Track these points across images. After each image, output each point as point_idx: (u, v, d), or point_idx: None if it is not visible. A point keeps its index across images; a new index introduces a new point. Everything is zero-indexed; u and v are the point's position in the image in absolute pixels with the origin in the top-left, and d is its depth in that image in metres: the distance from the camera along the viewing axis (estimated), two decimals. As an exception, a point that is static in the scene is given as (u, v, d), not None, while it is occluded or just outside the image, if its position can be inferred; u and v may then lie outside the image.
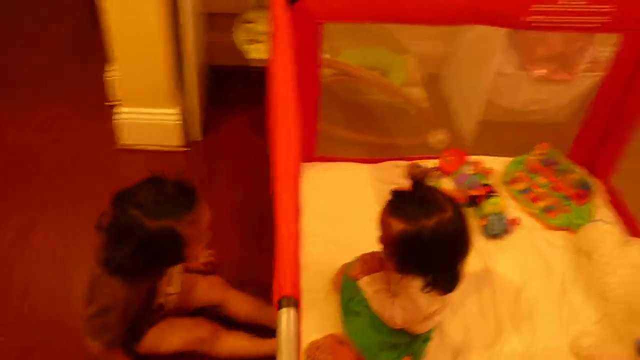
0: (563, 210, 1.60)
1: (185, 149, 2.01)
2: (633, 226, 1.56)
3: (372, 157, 1.75)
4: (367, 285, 1.24)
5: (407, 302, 1.15)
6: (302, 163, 1.65)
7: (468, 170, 1.64)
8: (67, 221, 1.76)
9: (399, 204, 1.10)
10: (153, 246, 1.16)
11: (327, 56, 1.80)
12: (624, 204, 1.62)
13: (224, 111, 2.18)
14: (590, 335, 1.32)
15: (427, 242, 1.04)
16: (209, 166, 1.97)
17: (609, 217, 1.60)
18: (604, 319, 1.38)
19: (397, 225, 1.07)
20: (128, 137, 1.98)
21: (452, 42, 2.25)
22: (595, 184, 1.65)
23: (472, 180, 1.60)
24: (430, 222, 1.04)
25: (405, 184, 1.18)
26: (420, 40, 2.20)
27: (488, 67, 1.94)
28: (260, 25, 2.00)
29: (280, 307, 0.72)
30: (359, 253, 1.32)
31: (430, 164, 1.69)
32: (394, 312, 1.17)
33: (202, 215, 1.21)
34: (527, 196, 1.63)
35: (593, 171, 1.69)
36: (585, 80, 2.02)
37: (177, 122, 1.95)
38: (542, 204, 1.61)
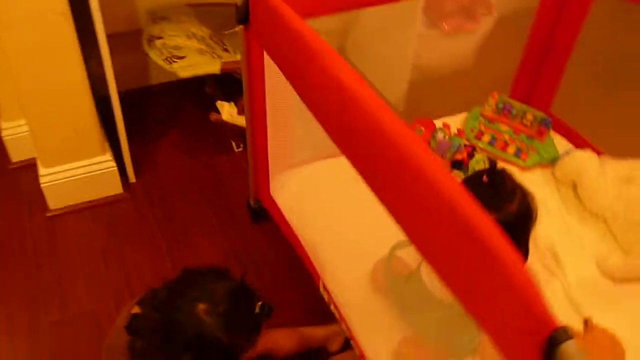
0: (532, 149, 1.68)
1: (125, 195, 1.75)
2: (591, 148, 1.70)
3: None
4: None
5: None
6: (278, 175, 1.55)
7: (442, 136, 1.65)
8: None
9: (477, 193, 1.06)
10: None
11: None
12: (574, 131, 1.75)
13: (148, 141, 1.95)
14: (610, 253, 1.42)
15: (515, 225, 1.02)
16: (159, 204, 1.75)
17: (567, 145, 1.72)
18: (604, 237, 1.50)
19: None
20: (58, 201, 1.67)
21: (354, 14, 2.23)
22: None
23: (454, 145, 1.61)
24: (514, 206, 1.02)
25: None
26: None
27: (411, 30, 1.95)
28: (172, 39, 1.78)
29: (555, 342, 0.61)
30: (377, 250, 1.30)
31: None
32: None
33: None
34: (497, 145, 1.69)
35: (534, 105, 1.80)
36: (486, 25, 2.13)
37: (112, 168, 1.69)
38: (511, 149, 1.68)
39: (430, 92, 2.05)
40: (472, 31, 2.13)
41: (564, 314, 1.30)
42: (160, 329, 1.02)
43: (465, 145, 1.62)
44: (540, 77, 1.78)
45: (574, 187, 1.58)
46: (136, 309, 1.07)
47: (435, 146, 1.63)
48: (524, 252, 1.12)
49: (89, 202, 1.71)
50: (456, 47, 2.13)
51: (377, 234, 1.42)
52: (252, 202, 1.65)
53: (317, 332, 1.40)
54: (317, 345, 1.41)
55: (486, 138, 1.71)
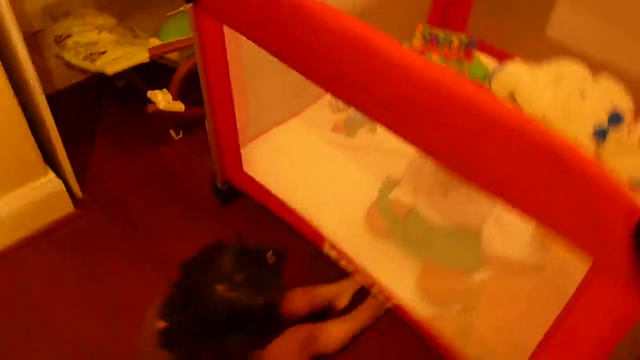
0: (464, 71, 1.78)
1: (78, 212, 1.61)
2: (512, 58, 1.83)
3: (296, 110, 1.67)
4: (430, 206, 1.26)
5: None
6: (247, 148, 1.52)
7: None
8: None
9: None
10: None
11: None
12: (495, 48, 1.87)
13: (81, 149, 1.78)
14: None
15: None
16: (118, 213, 1.63)
17: (490, 61, 1.84)
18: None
19: None
20: (6, 237, 1.49)
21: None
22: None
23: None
24: None
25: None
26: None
27: None
28: (83, 35, 1.62)
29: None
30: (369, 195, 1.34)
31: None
32: None
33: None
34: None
35: (453, 29, 1.89)
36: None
37: (59, 187, 1.54)
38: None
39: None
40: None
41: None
42: (195, 328, 0.99)
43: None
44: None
45: (512, 97, 1.70)
46: (161, 323, 1.02)
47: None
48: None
49: (42, 229, 1.55)
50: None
51: (363, 179, 1.45)
52: (219, 184, 1.59)
53: (329, 289, 1.41)
54: (325, 304, 1.43)
55: (422, 70, 1.78)
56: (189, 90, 1.68)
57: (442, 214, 1.31)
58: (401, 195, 1.35)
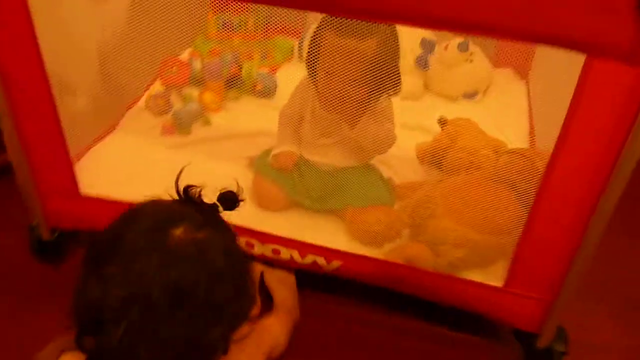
0: (271, 50, 1.68)
1: None
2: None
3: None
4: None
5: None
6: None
7: (201, 62, 1.49)
8: None
9: None
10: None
11: None
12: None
13: None
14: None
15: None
16: None
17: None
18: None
19: None
20: None
21: None
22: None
23: (224, 60, 1.49)
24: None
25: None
26: None
27: None
28: None
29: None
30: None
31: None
32: (388, 128, 1.11)
33: None
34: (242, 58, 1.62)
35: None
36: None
37: None
38: (256, 56, 1.64)
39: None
40: None
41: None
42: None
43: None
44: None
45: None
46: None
47: (206, 72, 1.46)
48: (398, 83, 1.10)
49: None
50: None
51: (228, 167, 1.24)
52: (45, 235, 1.15)
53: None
54: None
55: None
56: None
57: (330, 157, 1.16)
58: (283, 148, 1.16)
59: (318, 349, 1.07)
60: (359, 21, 0.98)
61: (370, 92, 1.05)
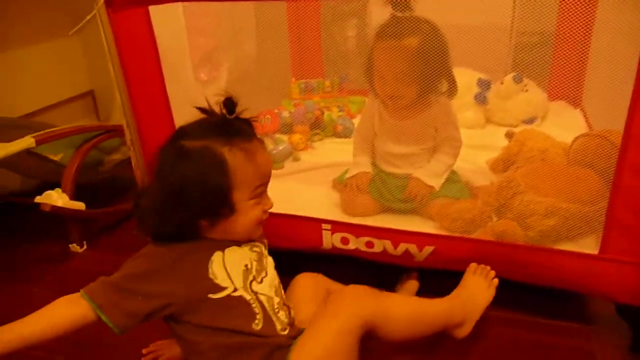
0: (346, 104, 1.84)
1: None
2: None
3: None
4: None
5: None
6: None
7: (288, 111, 1.66)
8: None
9: None
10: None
11: None
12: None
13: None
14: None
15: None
16: None
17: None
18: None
19: None
20: None
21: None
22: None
23: (308, 106, 1.65)
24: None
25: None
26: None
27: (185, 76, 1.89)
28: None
29: None
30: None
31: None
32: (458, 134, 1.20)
33: (259, 153, 0.87)
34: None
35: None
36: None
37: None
38: (334, 108, 1.81)
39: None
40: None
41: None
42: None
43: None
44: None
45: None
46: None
47: (293, 118, 1.62)
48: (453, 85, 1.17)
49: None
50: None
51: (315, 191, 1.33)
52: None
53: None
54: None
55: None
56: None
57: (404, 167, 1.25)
58: (356, 170, 1.27)
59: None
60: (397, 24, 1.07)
61: (422, 89, 1.13)
